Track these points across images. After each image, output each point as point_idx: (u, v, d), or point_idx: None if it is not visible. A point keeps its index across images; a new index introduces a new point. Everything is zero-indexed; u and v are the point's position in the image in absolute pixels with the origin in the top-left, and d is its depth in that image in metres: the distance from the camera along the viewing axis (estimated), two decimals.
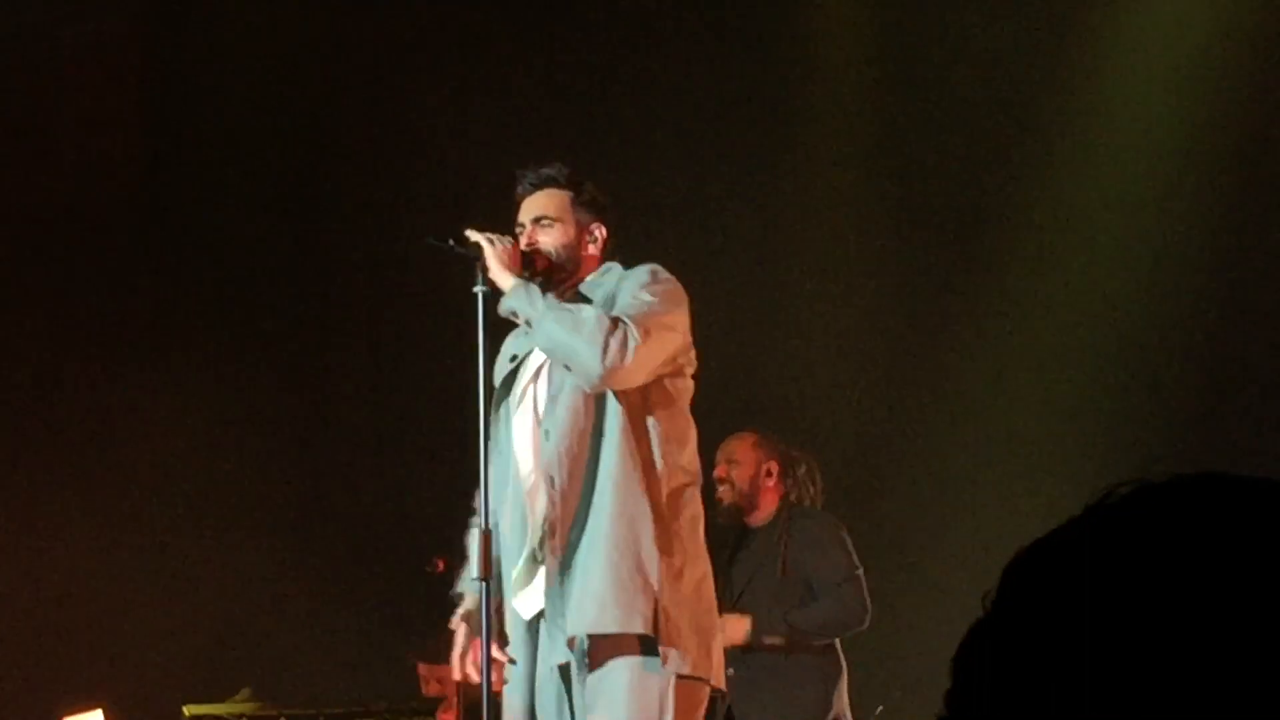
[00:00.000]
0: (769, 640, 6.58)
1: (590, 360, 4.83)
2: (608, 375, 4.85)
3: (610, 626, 4.88)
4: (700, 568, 5.01)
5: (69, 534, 8.98)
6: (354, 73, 9.28)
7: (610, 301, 5.01)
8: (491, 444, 5.07)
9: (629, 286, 5.01)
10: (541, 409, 5.07)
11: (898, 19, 8.92)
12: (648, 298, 4.96)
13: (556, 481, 4.95)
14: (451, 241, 5.10)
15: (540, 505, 5.01)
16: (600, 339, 4.82)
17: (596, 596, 4.87)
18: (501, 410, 5.17)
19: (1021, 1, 8.73)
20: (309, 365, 9.51)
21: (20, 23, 9.03)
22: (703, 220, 8.93)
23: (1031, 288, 8.64)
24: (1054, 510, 1.32)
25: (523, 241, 5.15)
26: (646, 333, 4.86)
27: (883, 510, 8.43)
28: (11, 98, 9.14)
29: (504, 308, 5.01)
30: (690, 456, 5.08)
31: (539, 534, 5.01)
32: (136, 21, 9.30)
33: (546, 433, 5.01)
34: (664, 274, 5.07)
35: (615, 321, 4.86)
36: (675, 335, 4.99)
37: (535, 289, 4.94)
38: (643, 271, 5.07)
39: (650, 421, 4.97)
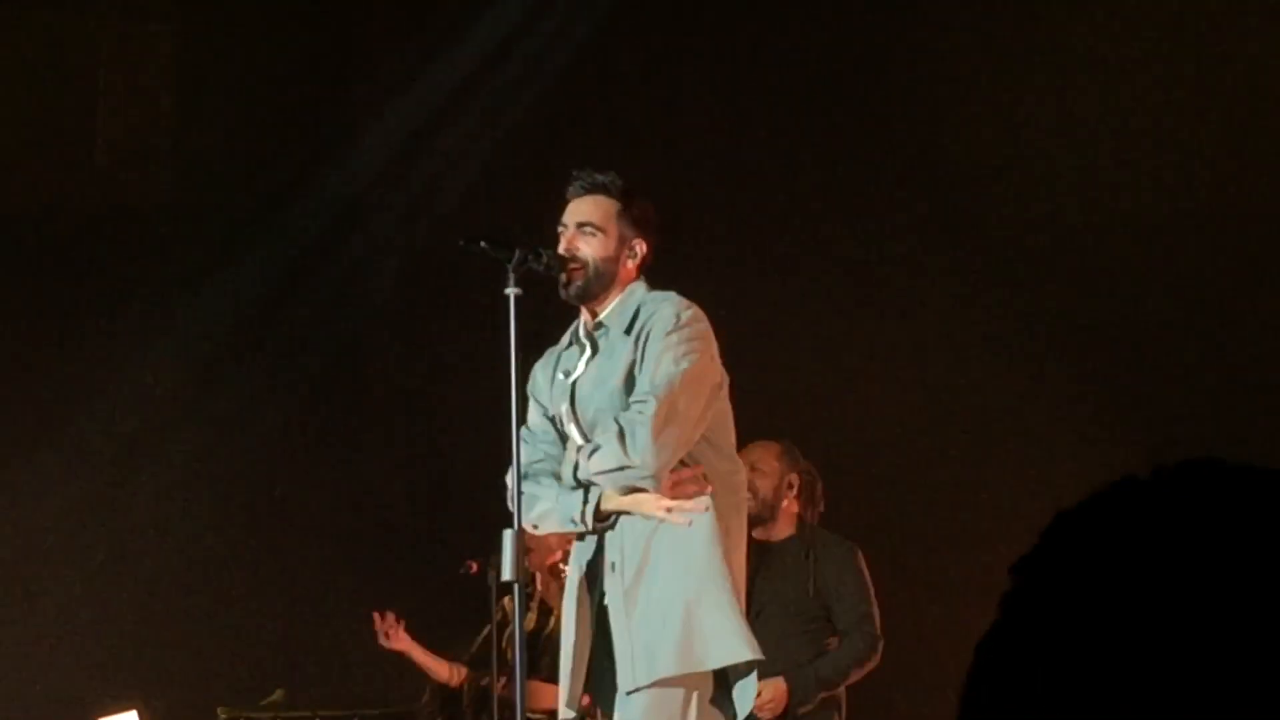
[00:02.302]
0: (805, 709, 6.49)
1: (642, 479, 4.93)
2: (658, 475, 4.92)
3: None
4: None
5: (104, 535, 9.01)
6: (385, 71, 9.30)
7: (639, 356, 5.00)
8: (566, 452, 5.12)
9: (651, 357, 4.99)
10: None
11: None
12: (665, 381, 4.93)
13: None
14: (484, 244, 5.08)
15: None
16: (641, 468, 4.90)
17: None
18: (562, 421, 5.18)
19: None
20: (343, 368, 9.52)
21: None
22: (727, 226, 8.91)
23: (1058, 292, 8.61)
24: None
25: (562, 245, 5.13)
26: (666, 421, 4.88)
27: (900, 523, 8.38)
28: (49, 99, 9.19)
29: (584, 521, 5.01)
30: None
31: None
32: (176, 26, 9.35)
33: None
34: (683, 325, 5.01)
35: (638, 432, 4.88)
36: (698, 401, 4.97)
37: (568, 496, 5.02)
38: (664, 329, 5.01)
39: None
